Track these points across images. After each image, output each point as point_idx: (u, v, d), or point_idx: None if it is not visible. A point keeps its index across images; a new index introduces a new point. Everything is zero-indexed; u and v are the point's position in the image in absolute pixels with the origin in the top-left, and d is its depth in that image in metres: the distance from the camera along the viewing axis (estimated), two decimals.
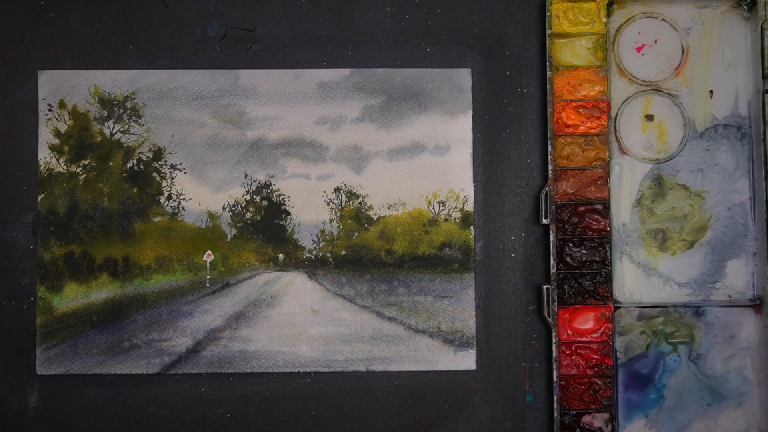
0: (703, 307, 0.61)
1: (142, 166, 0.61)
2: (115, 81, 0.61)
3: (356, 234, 0.62)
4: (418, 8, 0.62)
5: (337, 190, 0.62)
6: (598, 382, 0.59)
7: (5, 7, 0.62)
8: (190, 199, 0.61)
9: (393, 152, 0.62)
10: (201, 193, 0.61)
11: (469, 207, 0.62)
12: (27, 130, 0.61)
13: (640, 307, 0.61)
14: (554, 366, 0.59)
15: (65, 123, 0.61)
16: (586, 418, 0.59)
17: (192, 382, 0.61)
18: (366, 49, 0.62)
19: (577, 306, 0.60)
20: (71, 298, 0.60)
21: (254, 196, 0.62)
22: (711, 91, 0.62)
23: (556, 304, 0.59)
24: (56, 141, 0.61)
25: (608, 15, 0.62)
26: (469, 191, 0.62)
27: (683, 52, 0.62)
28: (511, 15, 0.62)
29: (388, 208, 0.62)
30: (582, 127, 0.60)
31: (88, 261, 0.61)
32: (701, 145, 0.62)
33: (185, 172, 0.61)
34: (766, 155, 0.60)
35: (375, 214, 0.62)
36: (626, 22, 0.62)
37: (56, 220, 0.61)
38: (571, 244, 0.60)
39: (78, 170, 0.61)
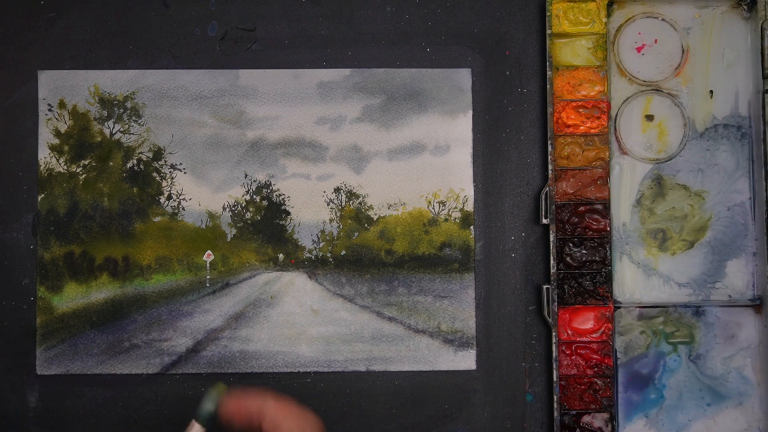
0: (703, 307, 0.61)
1: (142, 166, 0.61)
2: (115, 81, 0.61)
3: (356, 234, 0.62)
4: (418, 8, 0.62)
5: (337, 190, 0.62)
6: (598, 382, 0.59)
7: (5, 7, 0.62)
8: (190, 199, 0.61)
9: (393, 152, 0.62)
10: (201, 193, 0.61)
11: (469, 207, 0.62)
12: (27, 130, 0.61)
13: (640, 307, 0.61)
14: (554, 366, 0.59)
15: (65, 123, 0.61)
16: (586, 418, 0.59)
17: (192, 382, 0.61)
18: (366, 49, 0.62)
19: (577, 306, 0.60)
20: (71, 298, 0.60)
21: (254, 196, 0.62)
22: (711, 91, 0.62)
23: (556, 304, 0.59)
24: (56, 141, 0.61)
25: (608, 15, 0.62)
26: (469, 191, 0.62)
27: (683, 52, 0.62)
28: (511, 15, 0.62)
29: (388, 208, 0.62)
30: (582, 127, 0.60)
31: (88, 261, 0.61)
32: (701, 145, 0.62)
33: (185, 172, 0.61)
34: (766, 155, 0.60)
35: (375, 214, 0.62)
36: (626, 22, 0.62)
37: (56, 220, 0.61)
38: (571, 244, 0.60)
39: (78, 170, 0.61)
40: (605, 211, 0.60)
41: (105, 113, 0.61)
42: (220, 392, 0.46)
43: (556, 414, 0.59)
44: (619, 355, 0.61)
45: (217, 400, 0.47)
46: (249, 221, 0.62)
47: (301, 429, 0.45)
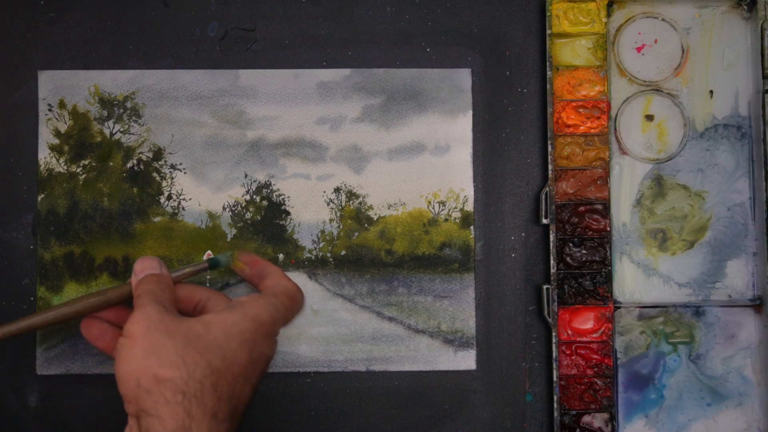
0: (703, 307, 0.61)
1: (142, 166, 0.61)
2: (115, 81, 0.61)
3: (356, 234, 0.62)
4: (418, 8, 0.62)
5: (337, 190, 0.62)
6: (598, 382, 0.59)
7: (5, 7, 0.62)
8: (190, 199, 0.61)
9: (393, 152, 0.62)
10: (201, 193, 0.61)
11: (469, 207, 0.62)
12: (27, 130, 0.61)
13: (640, 307, 0.61)
14: (554, 366, 0.59)
15: (65, 123, 0.61)
16: (586, 418, 0.59)
17: None
18: (366, 49, 0.62)
19: (577, 306, 0.60)
20: (71, 298, 0.60)
21: (254, 196, 0.62)
22: (711, 91, 0.62)
23: (556, 304, 0.59)
24: (56, 141, 0.61)
25: (608, 15, 0.62)
26: (469, 191, 0.62)
27: (683, 52, 0.62)
28: (511, 15, 0.62)
29: (388, 208, 0.62)
30: (582, 127, 0.60)
31: (88, 261, 0.61)
32: (701, 145, 0.62)
33: (185, 172, 0.61)
34: (766, 155, 0.60)
35: (375, 214, 0.62)
36: (626, 22, 0.62)
37: (56, 220, 0.61)
38: (571, 244, 0.60)
39: (78, 170, 0.61)
40: (605, 211, 0.60)
41: (105, 113, 0.61)
42: (233, 259, 0.56)
43: (556, 414, 0.59)
44: (619, 355, 0.61)
45: (228, 262, 0.56)
46: (249, 221, 0.62)
47: (295, 293, 0.54)
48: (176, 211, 0.61)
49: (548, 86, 0.60)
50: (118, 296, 0.53)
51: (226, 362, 0.47)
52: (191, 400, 0.45)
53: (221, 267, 0.55)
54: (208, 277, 0.61)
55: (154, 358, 0.45)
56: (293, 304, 0.53)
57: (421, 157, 0.62)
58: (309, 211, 0.62)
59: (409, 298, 0.61)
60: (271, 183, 0.62)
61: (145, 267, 0.53)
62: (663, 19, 0.62)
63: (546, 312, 0.60)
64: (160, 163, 0.61)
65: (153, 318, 0.47)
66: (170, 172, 0.61)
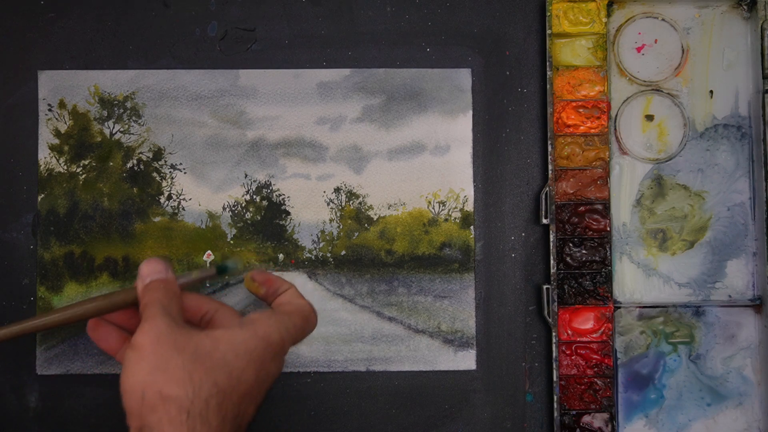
0: (703, 307, 0.61)
1: (142, 166, 0.61)
2: (115, 81, 0.61)
3: (356, 234, 0.62)
4: (418, 8, 0.62)
5: (337, 190, 0.62)
6: (598, 382, 0.59)
7: (5, 7, 0.62)
8: (190, 199, 0.61)
9: (393, 152, 0.62)
10: (201, 193, 0.61)
11: (469, 207, 0.62)
12: (27, 130, 0.61)
13: (640, 307, 0.61)
14: (554, 366, 0.59)
15: (65, 123, 0.61)
16: (586, 418, 0.59)
17: None
18: (366, 49, 0.62)
19: (577, 306, 0.60)
20: (71, 298, 0.60)
21: (254, 196, 0.62)
22: (711, 91, 0.62)
23: (556, 304, 0.59)
24: (56, 141, 0.61)
25: (608, 15, 0.62)
26: (469, 191, 0.62)
27: (683, 52, 0.62)
28: (511, 15, 0.62)
29: (388, 208, 0.62)
30: (582, 127, 0.60)
31: (88, 261, 0.61)
32: (701, 145, 0.62)
33: (185, 172, 0.61)
34: (766, 155, 0.60)
35: (375, 214, 0.62)
36: (626, 22, 0.62)
37: (56, 220, 0.61)
38: (571, 244, 0.60)
39: (78, 170, 0.61)
40: (605, 211, 0.60)
41: (105, 113, 0.61)
42: (241, 268, 0.55)
43: (556, 414, 0.59)
44: (619, 355, 0.61)
45: (236, 268, 0.54)
46: (249, 221, 0.62)
47: (309, 313, 0.51)
48: (176, 211, 0.61)
49: (548, 86, 0.60)
50: (124, 301, 0.51)
51: (232, 381, 0.46)
52: (196, 419, 0.44)
53: (229, 273, 0.54)
54: None
55: (161, 374, 0.44)
56: (305, 324, 0.52)
57: (421, 157, 0.62)
58: (309, 211, 0.62)
59: (409, 298, 0.61)
60: (271, 183, 0.62)
61: (151, 271, 0.50)
62: (663, 19, 0.62)
63: (546, 312, 0.60)
64: (160, 163, 0.61)
65: (162, 331, 0.46)
66: (170, 172, 0.61)
